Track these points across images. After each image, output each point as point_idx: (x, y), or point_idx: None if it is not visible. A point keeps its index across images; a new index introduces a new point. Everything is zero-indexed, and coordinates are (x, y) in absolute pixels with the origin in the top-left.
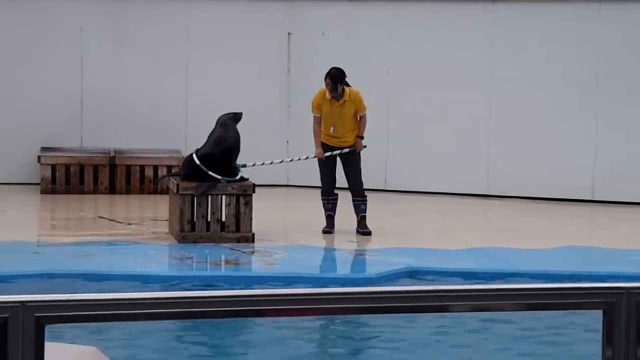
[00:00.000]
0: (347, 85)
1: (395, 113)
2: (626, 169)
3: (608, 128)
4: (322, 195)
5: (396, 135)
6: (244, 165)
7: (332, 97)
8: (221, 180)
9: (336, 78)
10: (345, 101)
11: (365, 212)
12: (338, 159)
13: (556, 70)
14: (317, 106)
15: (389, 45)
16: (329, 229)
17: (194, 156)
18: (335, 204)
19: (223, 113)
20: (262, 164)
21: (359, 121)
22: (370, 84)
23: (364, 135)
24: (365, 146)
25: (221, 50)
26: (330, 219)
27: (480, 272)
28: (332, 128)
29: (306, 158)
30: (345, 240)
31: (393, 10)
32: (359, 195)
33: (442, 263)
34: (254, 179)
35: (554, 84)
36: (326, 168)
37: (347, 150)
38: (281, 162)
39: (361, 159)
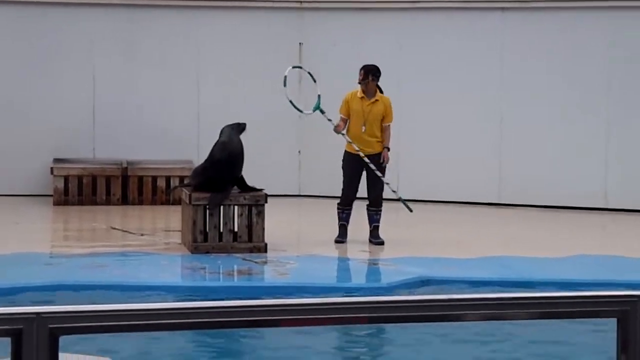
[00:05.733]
0: (381, 91)
1: (406, 122)
2: (639, 176)
3: (620, 135)
4: (339, 204)
5: (408, 145)
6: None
7: (363, 96)
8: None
9: (369, 70)
10: (376, 100)
11: (378, 222)
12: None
13: (567, 78)
14: (346, 103)
15: (399, 54)
16: (341, 238)
17: (208, 164)
18: (350, 214)
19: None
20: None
21: (384, 131)
22: None
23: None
24: (389, 160)
25: (232, 61)
26: (343, 228)
27: (493, 281)
28: (363, 127)
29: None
30: (358, 249)
31: (403, 19)
32: (376, 206)
33: (455, 272)
34: (266, 189)
35: (565, 91)
36: (353, 179)
37: (373, 168)
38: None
39: None
